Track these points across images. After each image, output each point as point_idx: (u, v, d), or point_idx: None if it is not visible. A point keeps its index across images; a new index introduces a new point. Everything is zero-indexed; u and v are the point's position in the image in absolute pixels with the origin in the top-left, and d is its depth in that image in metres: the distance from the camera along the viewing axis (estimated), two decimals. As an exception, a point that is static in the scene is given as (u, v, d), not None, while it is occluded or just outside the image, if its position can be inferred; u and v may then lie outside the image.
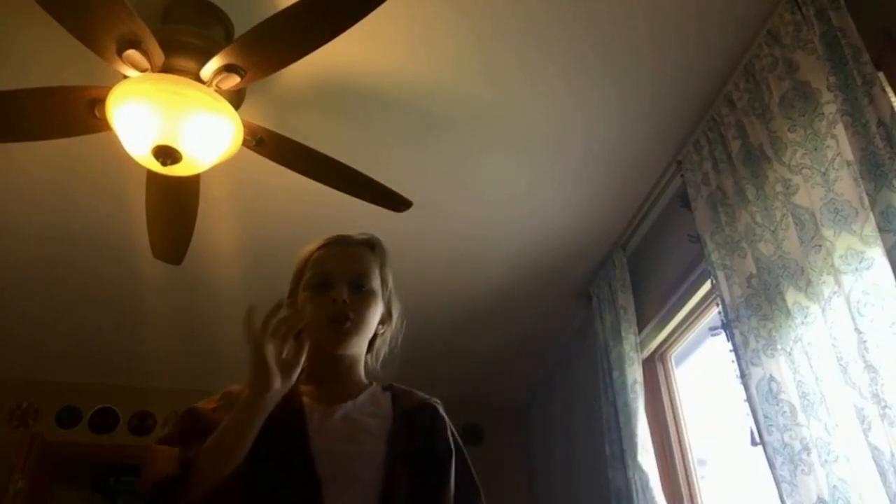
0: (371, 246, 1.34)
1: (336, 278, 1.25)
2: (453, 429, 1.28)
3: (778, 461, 1.63)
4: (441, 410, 1.29)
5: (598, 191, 2.55)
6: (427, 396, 1.31)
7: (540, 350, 3.58)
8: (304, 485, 1.08)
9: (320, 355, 1.24)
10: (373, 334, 1.30)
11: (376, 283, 1.29)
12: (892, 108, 1.47)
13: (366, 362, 1.31)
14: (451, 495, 1.17)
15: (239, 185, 2.45)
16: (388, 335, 1.34)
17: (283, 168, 2.00)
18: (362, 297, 1.25)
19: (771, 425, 1.67)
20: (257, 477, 1.08)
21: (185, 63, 1.74)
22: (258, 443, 1.07)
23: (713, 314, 2.32)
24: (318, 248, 1.34)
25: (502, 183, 2.49)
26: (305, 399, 1.21)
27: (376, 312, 1.27)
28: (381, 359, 1.34)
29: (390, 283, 1.34)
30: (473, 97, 2.14)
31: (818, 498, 1.51)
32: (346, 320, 1.21)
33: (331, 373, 1.26)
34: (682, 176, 2.27)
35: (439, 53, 1.99)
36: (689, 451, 2.54)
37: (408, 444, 1.18)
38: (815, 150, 1.63)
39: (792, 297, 1.68)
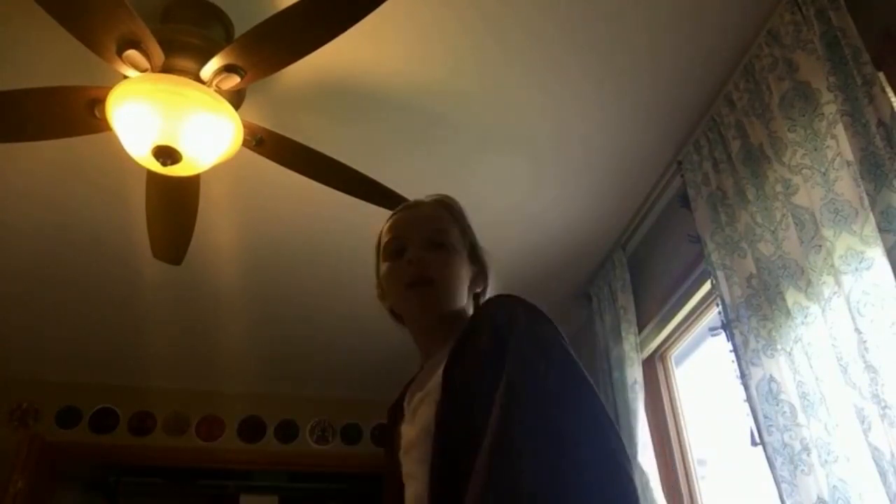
0: (444, 204, 1.26)
1: (410, 240, 1.16)
2: (502, 340, 0.94)
3: (778, 461, 1.63)
4: (492, 312, 1.03)
5: (598, 191, 2.55)
6: (480, 312, 1.09)
7: (540, 350, 3.57)
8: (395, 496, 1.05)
9: (415, 327, 1.17)
10: (471, 296, 1.19)
11: (455, 239, 1.19)
12: (892, 108, 1.47)
13: None
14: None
15: (239, 185, 2.45)
16: (489, 293, 1.22)
17: (283, 168, 2.00)
18: (441, 253, 1.16)
19: (771, 425, 1.67)
20: None
21: (185, 63, 1.74)
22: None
23: (713, 314, 2.31)
24: (390, 217, 1.25)
25: (502, 183, 2.49)
26: (411, 388, 1.13)
27: (462, 270, 1.17)
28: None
29: (474, 239, 1.24)
30: (473, 98, 2.13)
31: (818, 498, 1.51)
32: (424, 282, 1.11)
33: (434, 339, 1.14)
34: (682, 176, 2.27)
35: (439, 54, 1.99)
36: (689, 451, 2.53)
37: (446, 413, 0.94)
38: (815, 150, 1.63)
39: (792, 297, 1.68)
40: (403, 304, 1.15)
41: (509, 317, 0.98)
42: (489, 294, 1.22)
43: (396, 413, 1.17)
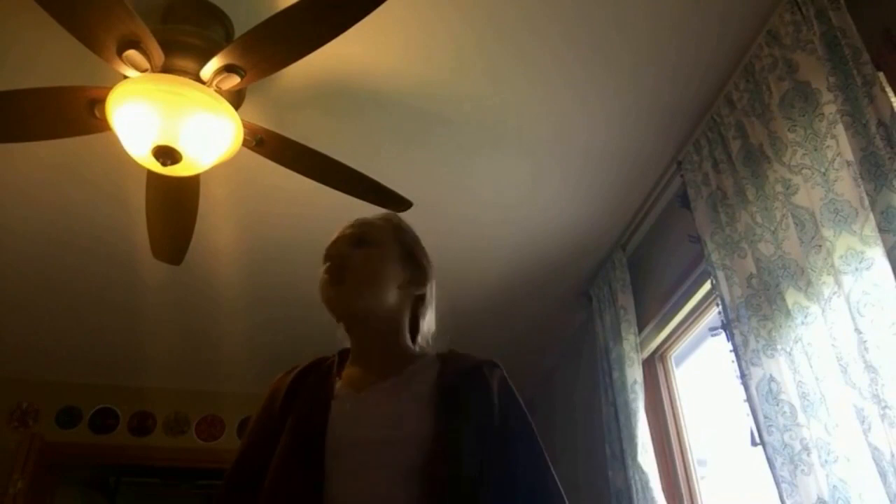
0: (385, 217, 1.29)
1: (334, 250, 1.21)
2: (508, 391, 1.14)
3: (778, 461, 1.62)
4: (490, 371, 1.15)
5: (598, 191, 2.55)
6: (481, 359, 1.19)
7: (540, 350, 3.57)
8: (304, 481, 1.01)
9: (347, 325, 1.18)
10: (407, 299, 1.21)
11: (385, 238, 1.21)
12: (892, 108, 1.47)
13: (416, 342, 1.23)
14: (510, 472, 1.05)
15: (239, 185, 2.45)
16: (426, 300, 1.24)
17: (283, 168, 2.00)
18: (362, 249, 1.19)
19: (771, 425, 1.66)
20: (268, 476, 1.04)
21: (185, 63, 1.74)
22: (282, 440, 1.05)
23: (713, 314, 2.31)
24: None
25: (502, 183, 2.49)
26: (339, 386, 1.14)
27: (385, 266, 1.19)
28: (426, 329, 1.24)
29: (415, 248, 1.25)
30: (473, 98, 2.14)
31: (818, 498, 1.51)
32: (338, 274, 1.15)
33: (365, 344, 1.18)
34: (682, 176, 2.27)
35: (439, 53, 1.99)
36: (689, 451, 2.53)
37: (452, 421, 1.04)
38: (815, 150, 1.63)
39: (792, 297, 1.68)
40: (325, 303, 1.15)
41: (506, 387, 1.14)
42: (432, 302, 1.25)
43: (312, 383, 1.16)
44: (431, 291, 1.26)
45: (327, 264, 1.18)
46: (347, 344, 1.23)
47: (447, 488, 0.98)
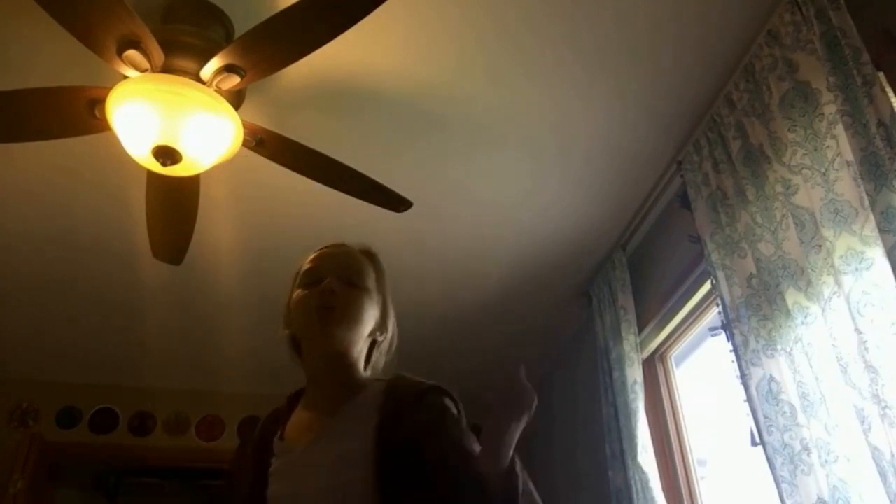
0: (367, 253, 1.32)
1: (326, 273, 1.22)
2: (439, 416, 1.10)
3: (778, 461, 1.63)
4: (431, 396, 1.13)
5: (598, 191, 2.55)
6: (425, 384, 1.16)
7: (540, 350, 3.57)
8: None
9: (314, 354, 1.20)
10: (369, 342, 1.24)
11: (371, 284, 1.25)
12: (892, 108, 1.47)
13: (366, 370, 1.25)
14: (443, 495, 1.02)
15: (239, 185, 2.45)
16: (384, 346, 1.28)
17: (283, 168, 2.00)
18: (353, 290, 1.22)
19: (771, 425, 1.67)
20: None
21: (185, 63, 1.74)
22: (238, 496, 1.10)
23: (713, 314, 2.32)
24: (314, 254, 1.31)
25: (502, 183, 2.49)
26: (280, 442, 1.16)
27: (369, 311, 1.23)
28: (378, 371, 1.27)
29: (387, 294, 1.29)
30: (474, 98, 2.13)
31: (818, 498, 1.51)
32: (333, 307, 1.17)
33: (325, 379, 1.20)
34: (682, 176, 2.27)
35: (440, 54, 1.99)
36: (689, 451, 2.54)
37: (389, 461, 1.04)
38: (815, 150, 1.63)
39: (792, 297, 1.68)
40: (309, 324, 1.18)
41: (440, 414, 1.11)
42: (385, 344, 1.27)
43: (265, 438, 1.19)
44: (391, 335, 1.30)
45: (319, 292, 1.19)
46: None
47: None
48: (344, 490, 1.04)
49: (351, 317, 1.19)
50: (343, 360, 1.20)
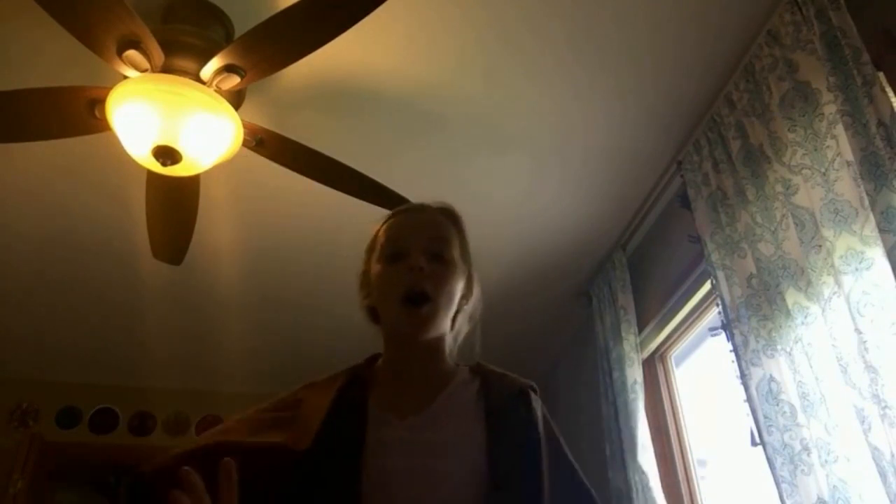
0: (449, 215, 1.20)
1: (411, 246, 1.09)
2: (546, 419, 1.09)
3: (778, 461, 1.63)
4: (534, 399, 1.10)
5: (598, 191, 2.55)
6: (522, 381, 1.13)
7: (540, 350, 3.57)
8: None
9: (397, 340, 1.11)
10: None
11: (457, 253, 1.14)
12: (892, 108, 1.47)
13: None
14: (556, 495, 0.99)
15: (239, 185, 2.45)
16: (469, 311, 1.17)
17: (283, 168, 2.00)
18: (442, 266, 1.10)
19: (771, 425, 1.66)
20: None
21: (185, 63, 1.74)
22: (311, 476, 0.94)
23: (713, 314, 2.32)
24: (391, 218, 1.18)
25: (502, 183, 2.49)
26: (375, 408, 1.04)
27: (458, 285, 1.12)
28: (460, 340, 1.18)
29: (471, 262, 1.18)
30: (474, 98, 2.13)
31: (818, 498, 1.51)
32: (424, 300, 1.05)
33: (410, 361, 1.11)
34: (682, 176, 2.27)
35: (439, 54, 1.99)
36: (689, 451, 2.54)
37: (501, 450, 0.99)
38: (815, 150, 1.63)
39: (792, 297, 1.68)
40: (394, 317, 1.08)
41: (546, 414, 1.11)
42: (470, 309, 1.19)
43: (346, 403, 1.05)
44: (475, 299, 1.21)
45: (408, 270, 1.07)
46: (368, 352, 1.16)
47: None
48: (452, 475, 0.97)
49: (443, 304, 1.08)
50: (433, 344, 1.11)
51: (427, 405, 1.05)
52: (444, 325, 1.11)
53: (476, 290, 1.19)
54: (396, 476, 0.96)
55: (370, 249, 1.18)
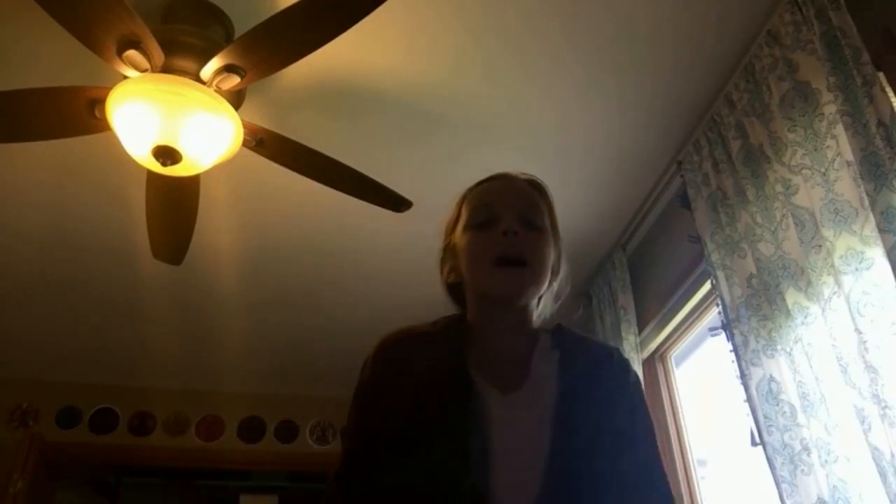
0: (537, 185, 1.16)
1: (503, 212, 1.05)
2: (640, 388, 1.06)
3: (778, 461, 1.63)
4: (621, 365, 1.06)
5: (598, 191, 2.55)
6: (606, 346, 1.10)
7: (540, 350, 3.57)
8: (472, 492, 0.88)
9: (487, 308, 1.05)
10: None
11: (546, 222, 1.10)
12: (892, 108, 1.47)
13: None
14: (626, 472, 0.95)
15: (239, 185, 2.45)
16: (555, 290, 1.13)
17: (283, 168, 2.00)
18: (536, 233, 1.05)
19: (771, 425, 1.67)
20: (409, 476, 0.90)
21: (185, 63, 1.74)
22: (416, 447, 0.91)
23: (713, 314, 2.31)
24: (477, 186, 1.14)
25: (502, 183, 2.49)
26: (477, 378, 0.97)
27: (551, 256, 1.07)
28: (543, 317, 1.12)
29: (559, 230, 1.15)
30: (474, 97, 2.13)
31: (818, 498, 1.51)
32: (519, 262, 1.00)
33: (502, 331, 1.05)
34: (682, 176, 2.27)
35: (439, 53, 1.99)
36: (689, 451, 2.53)
37: (577, 421, 0.95)
38: (815, 150, 1.63)
39: (792, 297, 1.68)
40: (486, 280, 1.02)
41: (638, 384, 1.10)
42: (556, 286, 1.14)
43: (444, 370, 1.00)
44: (562, 276, 1.16)
45: (502, 235, 1.02)
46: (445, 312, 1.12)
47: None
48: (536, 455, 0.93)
49: (539, 270, 1.04)
50: (523, 312, 1.06)
51: (521, 383, 1.00)
52: (537, 292, 1.06)
53: (565, 268, 1.14)
54: (502, 455, 0.92)
55: (451, 223, 1.14)
